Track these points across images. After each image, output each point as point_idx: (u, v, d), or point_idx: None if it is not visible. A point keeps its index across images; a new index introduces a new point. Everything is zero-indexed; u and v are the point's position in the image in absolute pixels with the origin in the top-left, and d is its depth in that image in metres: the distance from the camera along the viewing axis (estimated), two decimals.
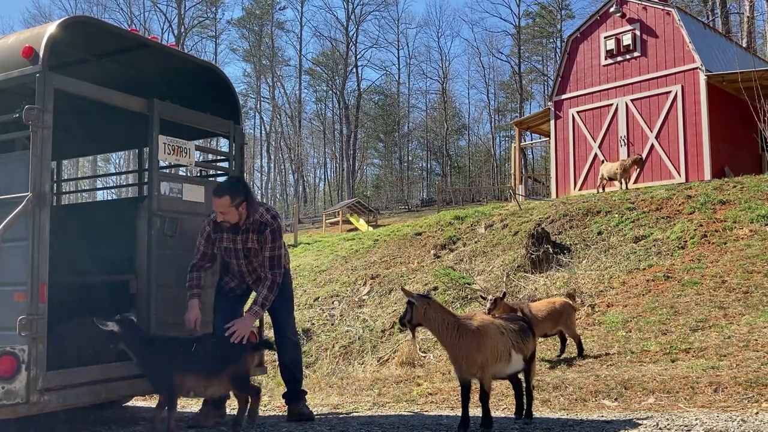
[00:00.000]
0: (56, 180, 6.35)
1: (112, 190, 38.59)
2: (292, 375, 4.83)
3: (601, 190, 15.66)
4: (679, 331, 7.35)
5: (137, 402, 6.71)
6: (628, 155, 16.79)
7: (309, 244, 18.71)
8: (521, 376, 4.26)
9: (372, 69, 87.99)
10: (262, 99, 54.70)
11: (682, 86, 16.31)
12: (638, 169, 15.94)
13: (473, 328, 3.84)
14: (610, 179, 15.55)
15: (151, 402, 7.13)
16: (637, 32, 17.24)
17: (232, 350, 4.12)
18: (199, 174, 6.26)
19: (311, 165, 58.16)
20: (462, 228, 14.00)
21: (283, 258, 4.45)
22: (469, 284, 11.19)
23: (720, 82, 16.02)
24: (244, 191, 4.35)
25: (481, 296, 8.13)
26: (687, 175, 15.73)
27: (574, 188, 17.99)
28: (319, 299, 12.35)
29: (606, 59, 17.76)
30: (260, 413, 5.48)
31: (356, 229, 27.59)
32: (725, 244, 9.88)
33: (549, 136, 19.52)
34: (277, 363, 4.94)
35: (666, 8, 16.92)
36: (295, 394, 4.81)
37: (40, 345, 3.71)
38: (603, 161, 16.79)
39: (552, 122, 18.83)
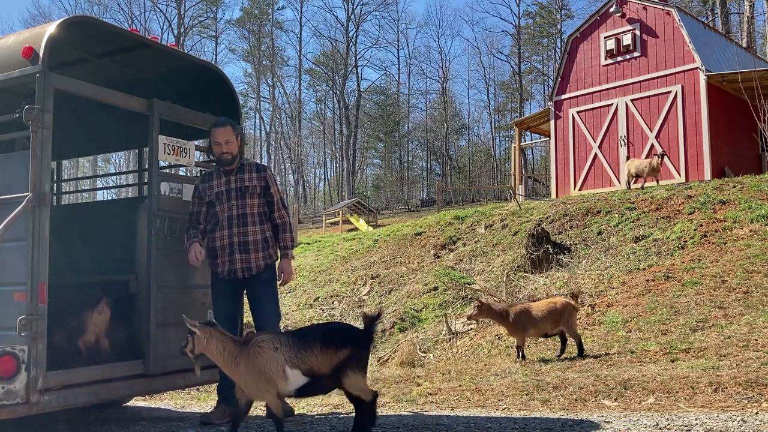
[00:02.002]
0: (56, 180, 6.35)
1: (112, 190, 38.59)
2: None
3: (627, 188, 15.14)
4: (679, 331, 7.35)
5: (137, 402, 6.71)
6: (628, 155, 16.80)
7: (309, 244, 18.72)
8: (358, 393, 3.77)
9: (372, 69, 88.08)
10: (262, 99, 54.73)
11: (682, 86, 16.32)
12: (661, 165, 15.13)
13: (246, 353, 3.70)
14: (638, 176, 14.98)
15: (151, 402, 7.14)
16: (637, 32, 17.24)
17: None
18: (199, 174, 6.25)
19: (311, 165, 58.21)
20: (462, 228, 14.00)
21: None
22: (469, 284, 11.19)
23: (720, 82, 16.02)
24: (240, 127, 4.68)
25: (477, 299, 8.15)
26: (687, 175, 15.73)
27: (574, 188, 17.99)
28: (319, 299, 12.35)
29: (606, 59, 17.77)
30: (261, 413, 5.48)
31: (356, 229, 27.59)
32: (725, 244, 9.89)
33: (549, 136, 19.53)
34: None
35: (666, 8, 16.93)
36: None
37: (40, 345, 3.71)
38: (628, 157, 16.33)
39: (552, 122, 18.84)
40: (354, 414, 3.92)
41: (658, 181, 14.94)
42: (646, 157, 15.71)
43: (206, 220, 4.63)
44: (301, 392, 3.81)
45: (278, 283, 4.60)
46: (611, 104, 17.56)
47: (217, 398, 4.87)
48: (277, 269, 4.66)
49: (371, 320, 3.81)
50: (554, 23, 49.53)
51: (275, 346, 3.70)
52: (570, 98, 18.43)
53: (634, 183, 15.17)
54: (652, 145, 16.58)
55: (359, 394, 3.74)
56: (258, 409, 5.83)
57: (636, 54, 17.25)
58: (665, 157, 14.95)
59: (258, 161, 5.17)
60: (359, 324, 3.89)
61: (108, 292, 5.06)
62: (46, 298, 3.76)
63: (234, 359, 3.72)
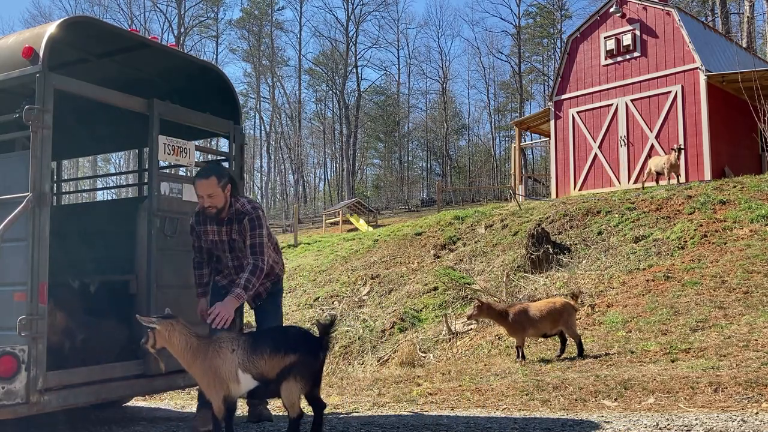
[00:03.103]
0: (56, 180, 6.35)
1: (112, 190, 38.60)
2: None
3: (646, 185, 15.06)
4: (679, 331, 7.35)
5: (137, 402, 6.71)
6: (628, 155, 16.80)
7: (309, 244, 18.72)
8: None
9: (372, 69, 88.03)
10: (262, 99, 54.76)
11: (682, 86, 16.31)
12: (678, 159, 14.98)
13: (205, 350, 3.64)
14: (658, 174, 14.93)
15: (151, 402, 7.14)
16: (637, 32, 17.24)
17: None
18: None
19: (311, 165, 58.22)
20: (462, 228, 14.00)
21: (267, 246, 4.21)
22: (469, 284, 11.19)
23: (720, 82, 16.02)
24: (227, 174, 4.28)
25: (476, 299, 8.15)
26: (687, 175, 15.73)
27: (574, 188, 17.99)
28: (319, 299, 12.35)
29: (606, 59, 17.76)
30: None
31: (356, 229, 27.58)
32: (725, 244, 9.89)
33: (549, 136, 19.53)
34: None
35: (666, 8, 16.93)
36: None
37: (40, 345, 3.71)
38: (649, 155, 16.22)
39: (552, 122, 18.84)
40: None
41: (678, 178, 14.80)
42: (665, 154, 15.49)
43: (210, 253, 4.44)
44: (252, 395, 3.79)
45: (206, 316, 4.01)
46: (611, 104, 17.56)
47: (197, 403, 4.65)
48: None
49: (324, 328, 3.68)
50: (554, 23, 49.54)
51: (233, 348, 3.64)
52: (570, 98, 18.43)
53: (649, 180, 15.10)
54: (652, 145, 16.59)
55: (288, 406, 3.64)
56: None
57: (636, 54, 17.24)
58: (682, 151, 14.79)
59: (250, 198, 4.57)
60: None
61: (108, 291, 5.07)
62: (46, 298, 3.75)
63: (193, 354, 3.65)
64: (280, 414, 5.34)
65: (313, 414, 3.79)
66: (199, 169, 4.43)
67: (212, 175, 4.16)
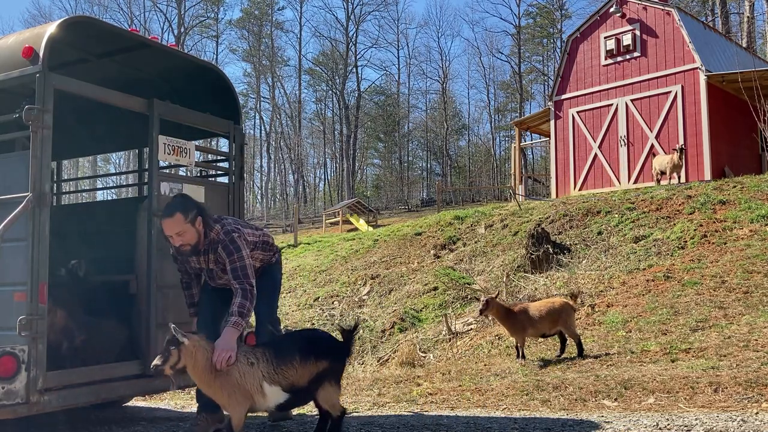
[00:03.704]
0: (56, 180, 6.35)
1: (112, 190, 38.60)
2: None
3: (645, 185, 15.12)
4: (679, 331, 7.35)
5: (137, 402, 6.71)
6: (628, 155, 16.79)
7: (309, 244, 18.72)
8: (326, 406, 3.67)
9: (372, 69, 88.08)
10: (262, 99, 54.77)
11: (682, 86, 16.31)
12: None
13: (220, 370, 3.47)
14: (662, 173, 14.98)
15: (151, 402, 7.13)
16: (637, 32, 17.24)
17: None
18: (199, 174, 6.26)
19: (311, 165, 58.22)
20: (462, 228, 14.00)
21: (249, 267, 3.89)
22: (469, 284, 11.19)
23: (720, 82, 16.02)
24: (195, 205, 3.90)
25: (475, 298, 8.14)
26: (687, 175, 15.73)
27: (574, 188, 17.99)
28: (319, 299, 12.35)
29: (606, 59, 17.77)
30: (260, 413, 5.48)
31: (356, 229, 27.58)
32: (725, 244, 9.88)
33: (549, 136, 19.53)
34: None
35: (666, 8, 16.93)
36: None
37: (40, 345, 3.71)
38: (653, 154, 16.24)
39: (552, 122, 18.84)
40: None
41: (679, 178, 14.85)
42: (668, 154, 15.53)
43: (196, 274, 4.26)
44: (281, 407, 3.69)
45: (213, 358, 3.52)
46: (611, 104, 17.56)
47: (197, 407, 4.42)
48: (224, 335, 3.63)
49: (349, 333, 3.68)
50: (554, 23, 49.55)
51: (251, 360, 3.51)
52: (570, 98, 18.43)
53: (662, 179, 15.12)
54: (652, 145, 16.59)
55: (329, 408, 3.64)
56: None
57: (636, 54, 17.24)
58: (683, 151, 14.82)
59: (225, 223, 4.39)
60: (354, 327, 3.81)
61: (108, 291, 5.06)
62: (46, 298, 3.75)
63: (212, 371, 3.46)
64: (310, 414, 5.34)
65: (318, 417, 3.80)
66: (163, 207, 4.02)
67: (176, 212, 3.79)
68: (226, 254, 3.87)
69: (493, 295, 7.23)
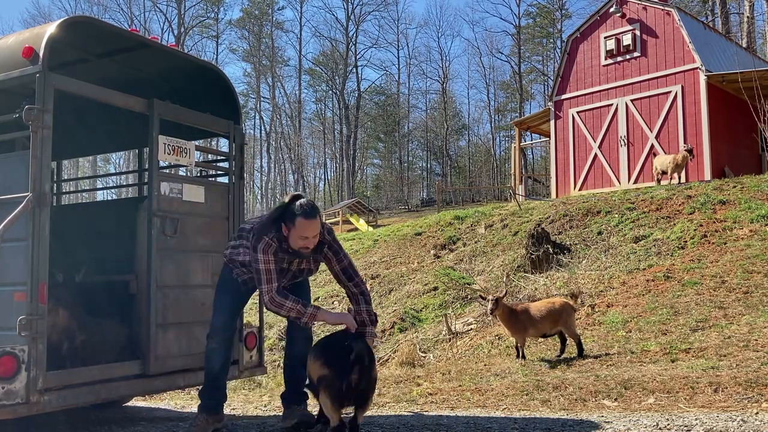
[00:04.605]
0: (56, 180, 6.35)
1: (112, 190, 38.60)
2: (297, 373, 4.22)
3: (645, 185, 15.15)
4: (679, 331, 7.34)
5: (137, 402, 6.71)
6: (628, 155, 16.79)
7: None
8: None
9: (372, 69, 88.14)
10: (262, 99, 54.80)
11: (682, 86, 16.32)
12: (690, 160, 14.90)
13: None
14: (663, 172, 14.94)
15: (151, 402, 7.14)
16: (637, 32, 17.25)
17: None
18: (199, 174, 6.26)
19: (311, 165, 58.26)
20: (462, 228, 14.00)
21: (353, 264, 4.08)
22: (469, 284, 11.19)
23: (720, 82, 16.02)
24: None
25: (480, 296, 8.13)
26: (687, 175, 15.74)
27: (574, 188, 17.99)
28: (319, 299, 12.34)
29: (606, 59, 17.77)
30: (261, 413, 5.48)
31: (356, 229, 27.59)
32: (725, 244, 9.88)
33: (549, 136, 19.54)
34: (283, 357, 4.43)
35: (666, 8, 16.93)
36: (296, 396, 4.25)
37: (40, 345, 3.71)
38: (655, 154, 16.22)
39: (552, 122, 18.85)
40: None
41: (679, 178, 14.82)
42: (671, 153, 15.50)
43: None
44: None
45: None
46: (611, 104, 17.57)
47: (197, 406, 4.30)
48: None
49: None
50: (554, 23, 49.56)
51: None
52: (570, 98, 18.43)
53: (662, 180, 15.12)
54: (652, 145, 16.59)
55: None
56: (257, 410, 5.85)
57: (636, 54, 17.25)
58: (691, 152, 14.70)
59: (322, 225, 4.46)
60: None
61: (108, 292, 5.06)
62: (46, 298, 3.75)
63: None
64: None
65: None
66: (299, 204, 3.73)
67: (317, 213, 3.74)
68: (333, 253, 3.96)
69: (501, 295, 7.23)
